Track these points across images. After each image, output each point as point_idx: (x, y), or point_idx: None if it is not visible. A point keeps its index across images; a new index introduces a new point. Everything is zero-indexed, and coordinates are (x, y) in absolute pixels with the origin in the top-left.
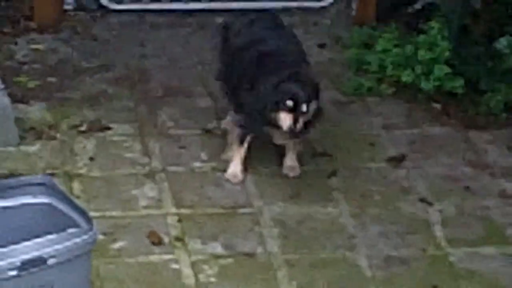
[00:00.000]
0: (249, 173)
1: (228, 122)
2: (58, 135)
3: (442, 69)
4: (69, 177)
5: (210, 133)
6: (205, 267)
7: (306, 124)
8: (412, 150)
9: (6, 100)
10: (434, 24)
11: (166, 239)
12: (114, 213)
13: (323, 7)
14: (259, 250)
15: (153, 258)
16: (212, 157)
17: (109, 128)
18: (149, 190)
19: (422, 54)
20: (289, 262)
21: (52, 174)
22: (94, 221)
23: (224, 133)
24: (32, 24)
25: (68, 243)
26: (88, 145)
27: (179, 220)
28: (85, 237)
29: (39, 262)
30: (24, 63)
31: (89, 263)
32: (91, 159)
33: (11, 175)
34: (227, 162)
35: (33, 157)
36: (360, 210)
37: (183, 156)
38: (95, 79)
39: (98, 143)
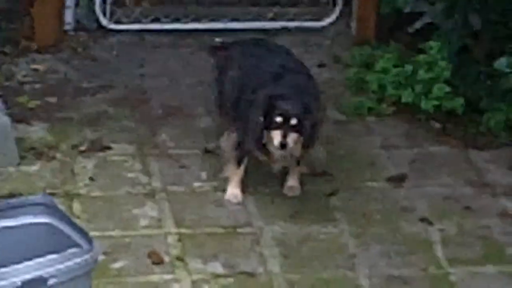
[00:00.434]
0: (249, 193)
1: (225, 141)
2: (58, 155)
3: (442, 88)
4: (69, 197)
5: (210, 153)
6: (206, 286)
7: (305, 143)
8: (412, 169)
9: (7, 120)
10: (433, 44)
11: (166, 259)
12: (114, 233)
13: (323, 27)
14: (260, 269)
15: (154, 277)
16: (213, 176)
17: (109, 148)
18: (149, 210)
19: (422, 73)
20: (290, 281)
21: (52, 194)
22: (95, 241)
23: (220, 151)
24: (33, 45)
25: (69, 263)
26: (88, 165)
27: (180, 240)
28: (86, 257)
29: (40, 282)
30: (25, 83)
31: (90, 283)
32: (91, 179)
33: (11, 195)
34: (227, 182)
35: (33, 177)
36: (360, 229)
37: (183, 176)
38: (95, 99)
39: (98, 163)
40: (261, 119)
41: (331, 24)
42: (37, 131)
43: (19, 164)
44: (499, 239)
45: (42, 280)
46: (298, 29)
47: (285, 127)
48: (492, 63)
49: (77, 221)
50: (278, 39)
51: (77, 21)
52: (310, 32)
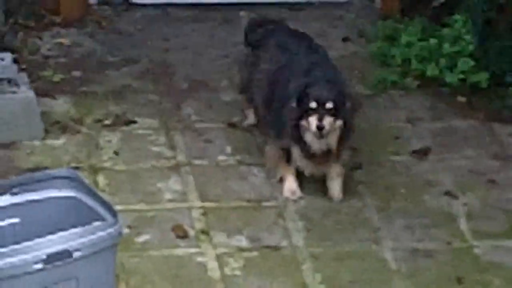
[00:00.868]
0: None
1: (268, 149)
2: (83, 129)
3: (466, 62)
4: (94, 170)
5: (234, 127)
6: (230, 260)
7: (342, 134)
8: (436, 143)
9: (32, 94)
10: (458, 17)
11: (191, 233)
12: (138, 207)
13: (347, 1)
14: (284, 243)
15: (178, 251)
16: (237, 150)
17: (133, 122)
18: (173, 184)
19: (447, 47)
20: (313, 255)
21: (77, 168)
22: (119, 215)
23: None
24: (57, 19)
25: (93, 237)
26: (113, 138)
27: (204, 214)
28: (110, 230)
29: (64, 255)
30: (49, 57)
31: (114, 256)
32: (116, 153)
33: (37, 168)
34: (252, 156)
35: (58, 151)
36: (384, 203)
37: (207, 150)
38: (119, 73)
39: (122, 137)
40: (295, 105)
41: None
42: (61, 105)
43: (44, 138)
44: None
45: (66, 254)
46: (323, 3)
47: (320, 111)
48: None
49: (101, 195)
50: (303, 13)
51: None
52: (334, 6)
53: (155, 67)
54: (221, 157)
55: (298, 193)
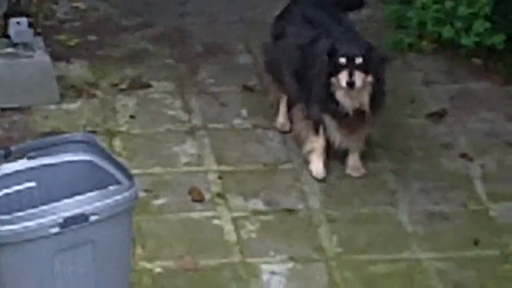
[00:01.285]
0: (291, 131)
1: (297, 121)
2: (98, 93)
3: (482, 24)
4: (110, 134)
5: (250, 90)
6: (246, 223)
7: (373, 99)
8: (452, 105)
9: (47, 59)
10: None
11: (207, 196)
12: (155, 170)
13: None
14: (300, 206)
15: (194, 214)
16: (253, 114)
17: (149, 86)
18: (189, 147)
19: (462, 9)
20: (330, 218)
21: (93, 132)
22: (135, 178)
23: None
24: None
25: (109, 200)
26: (128, 102)
27: (220, 177)
28: (126, 194)
29: (80, 219)
30: (65, 21)
31: (131, 220)
32: (132, 116)
33: (53, 132)
34: (268, 120)
35: (74, 115)
36: (401, 166)
37: (223, 113)
38: (135, 37)
39: (138, 101)
40: (326, 59)
41: None
42: (77, 69)
43: (59, 102)
44: None
45: (83, 217)
46: None
47: (350, 67)
48: None
49: (117, 158)
50: None
51: None
52: None
53: (171, 31)
54: (236, 121)
55: (323, 173)
